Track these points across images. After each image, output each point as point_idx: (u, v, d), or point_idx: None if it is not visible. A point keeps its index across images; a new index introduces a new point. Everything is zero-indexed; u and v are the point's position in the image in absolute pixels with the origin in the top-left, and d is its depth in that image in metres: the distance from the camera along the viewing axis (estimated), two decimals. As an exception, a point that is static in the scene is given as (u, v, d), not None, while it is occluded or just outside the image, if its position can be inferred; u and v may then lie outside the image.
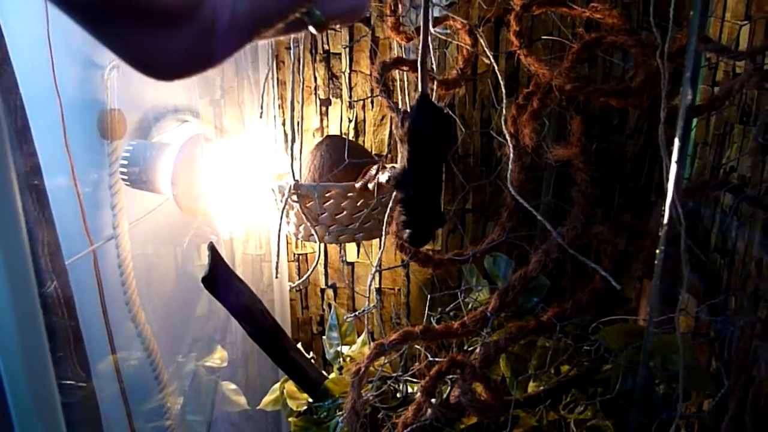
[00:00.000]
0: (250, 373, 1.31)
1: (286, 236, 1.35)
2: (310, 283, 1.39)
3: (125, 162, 0.99)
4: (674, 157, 0.76)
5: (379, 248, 1.33)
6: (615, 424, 0.99)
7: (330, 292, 1.39)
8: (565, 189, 1.17)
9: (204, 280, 0.80)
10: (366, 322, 0.86)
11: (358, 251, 1.34)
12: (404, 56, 1.18)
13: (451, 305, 1.00)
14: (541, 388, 0.94)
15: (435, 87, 0.86)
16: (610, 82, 1.19)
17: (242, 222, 1.26)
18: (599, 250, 0.80)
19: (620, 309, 1.25)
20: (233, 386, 1.07)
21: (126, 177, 0.99)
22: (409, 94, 1.20)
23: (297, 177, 0.91)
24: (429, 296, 0.88)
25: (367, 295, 0.77)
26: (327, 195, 0.91)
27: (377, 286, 1.35)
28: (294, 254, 1.36)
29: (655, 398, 0.93)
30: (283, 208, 0.90)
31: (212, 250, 0.82)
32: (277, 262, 1.12)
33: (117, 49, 0.20)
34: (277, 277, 1.28)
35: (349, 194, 0.91)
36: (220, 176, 1.07)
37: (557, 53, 1.19)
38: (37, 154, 0.68)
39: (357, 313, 0.75)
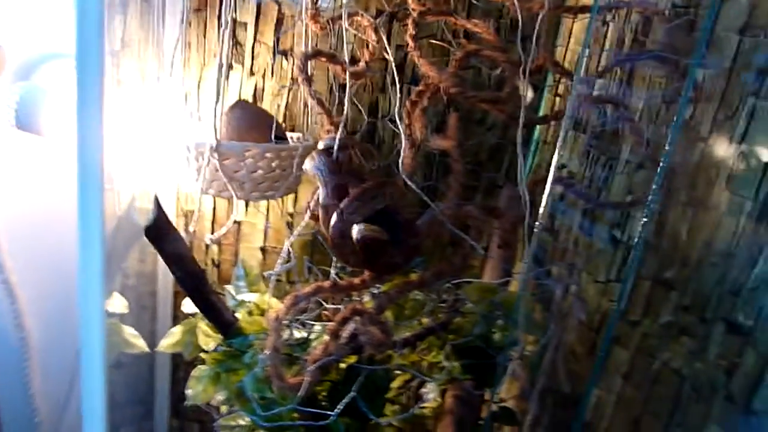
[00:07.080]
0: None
1: (176, 193, 1.41)
2: (196, 238, 1.46)
3: (14, 104, 0.99)
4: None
5: (266, 211, 1.45)
6: (462, 366, 1.24)
7: (214, 247, 1.48)
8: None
9: (147, 229, 0.87)
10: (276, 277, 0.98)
11: (246, 211, 1.45)
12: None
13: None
14: (410, 333, 1.15)
15: (347, 77, 1.00)
16: (479, 86, 1.42)
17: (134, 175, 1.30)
18: (466, 225, 1.01)
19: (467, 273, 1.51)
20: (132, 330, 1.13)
21: (14, 119, 0.99)
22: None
23: (217, 136, 0.99)
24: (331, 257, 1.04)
25: (284, 255, 0.91)
26: (246, 154, 1.01)
27: (262, 245, 1.47)
28: (182, 210, 1.42)
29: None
30: (206, 165, 0.98)
31: (156, 201, 0.89)
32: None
33: None
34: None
35: (267, 154, 1.02)
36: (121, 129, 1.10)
37: (437, 54, 1.38)
38: None
39: (276, 270, 0.88)
